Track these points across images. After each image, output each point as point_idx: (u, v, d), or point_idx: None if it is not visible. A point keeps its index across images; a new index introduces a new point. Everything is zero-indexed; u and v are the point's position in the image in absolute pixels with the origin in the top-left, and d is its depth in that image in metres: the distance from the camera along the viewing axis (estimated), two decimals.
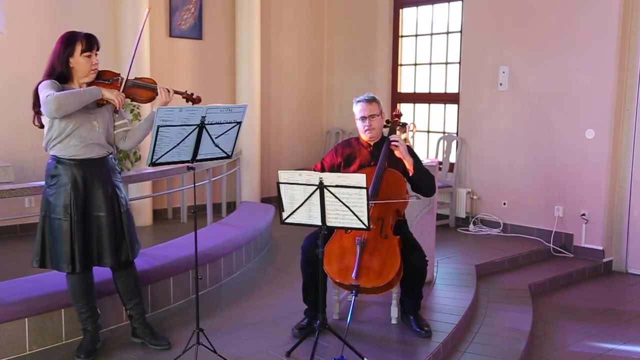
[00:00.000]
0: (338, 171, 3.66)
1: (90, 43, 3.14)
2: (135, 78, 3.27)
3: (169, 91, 3.24)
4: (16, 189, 3.81)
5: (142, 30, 3.21)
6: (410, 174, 3.59)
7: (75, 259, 3.11)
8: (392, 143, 3.58)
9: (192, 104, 3.30)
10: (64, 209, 3.10)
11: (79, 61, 3.12)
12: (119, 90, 3.15)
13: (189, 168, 3.16)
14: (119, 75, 3.26)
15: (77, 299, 3.24)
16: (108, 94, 3.08)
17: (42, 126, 3.18)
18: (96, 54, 3.18)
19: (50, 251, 3.15)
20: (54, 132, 3.10)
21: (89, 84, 3.17)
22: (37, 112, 3.14)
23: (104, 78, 3.23)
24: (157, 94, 3.24)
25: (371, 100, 3.68)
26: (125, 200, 3.30)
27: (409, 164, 3.57)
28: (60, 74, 3.12)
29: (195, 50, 7.11)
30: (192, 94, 3.36)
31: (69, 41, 3.13)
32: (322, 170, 3.76)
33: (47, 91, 3.00)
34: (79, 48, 3.11)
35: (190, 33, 7.06)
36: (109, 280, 3.47)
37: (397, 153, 3.58)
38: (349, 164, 3.74)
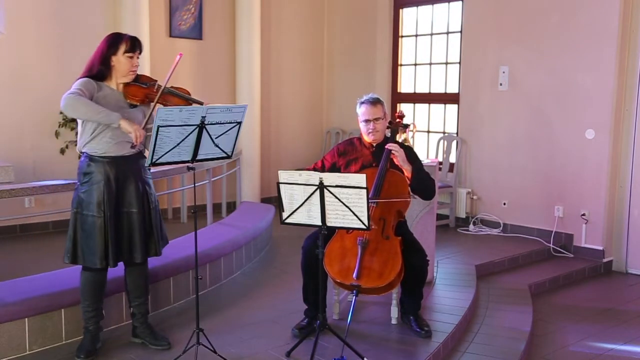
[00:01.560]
0: (339, 171, 3.67)
1: (134, 45, 3.22)
2: (172, 87, 3.29)
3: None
4: (16, 189, 3.82)
5: (173, 69, 3.22)
6: (408, 182, 3.59)
7: (108, 255, 3.16)
8: (392, 151, 3.57)
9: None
10: (97, 206, 3.14)
11: (120, 60, 3.19)
12: (150, 97, 3.20)
13: (189, 168, 3.16)
14: (156, 81, 3.30)
15: (86, 296, 3.26)
16: (126, 126, 3.07)
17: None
18: (138, 57, 3.25)
19: (82, 247, 3.18)
20: (89, 130, 3.15)
21: (126, 85, 3.23)
22: None
23: (141, 81, 3.28)
24: (190, 105, 3.24)
25: (375, 103, 3.66)
26: (154, 197, 3.36)
27: (407, 171, 3.57)
28: (99, 71, 3.18)
29: (195, 50, 7.11)
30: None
31: (114, 40, 3.20)
32: (323, 167, 3.76)
33: (75, 88, 3.07)
34: (122, 48, 3.18)
35: (190, 33, 7.06)
36: (111, 280, 3.47)
37: (395, 161, 3.58)
38: (351, 164, 3.74)
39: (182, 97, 3.28)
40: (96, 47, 3.23)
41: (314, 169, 3.69)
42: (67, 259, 3.22)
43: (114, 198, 3.18)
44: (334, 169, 3.73)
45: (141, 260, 3.29)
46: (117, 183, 3.19)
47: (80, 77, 3.18)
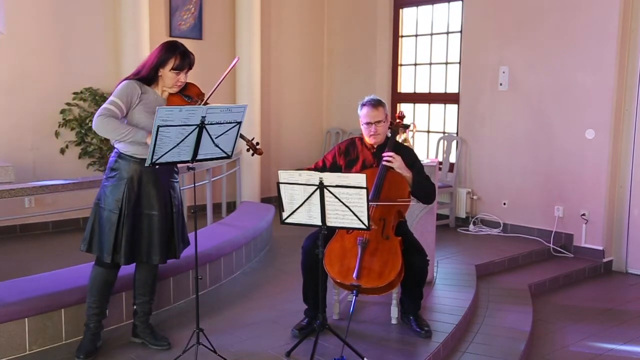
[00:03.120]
0: (340, 171, 3.67)
1: (183, 64, 3.22)
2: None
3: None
4: (16, 189, 3.82)
5: (228, 71, 3.22)
6: (409, 189, 3.58)
7: (119, 252, 3.18)
8: (385, 162, 3.54)
9: (252, 154, 3.36)
10: (115, 202, 3.18)
11: (167, 74, 3.22)
12: None
13: (189, 168, 3.16)
14: (202, 96, 3.30)
15: (93, 292, 3.28)
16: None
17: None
18: (186, 74, 3.26)
19: (98, 239, 3.23)
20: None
21: (171, 94, 3.27)
22: None
23: (186, 94, 3.28)
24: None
25: (376, 105, 3.65)
26: (178, 200, 3.38)
27: (407, 178, 3.57)
28: (150, 78, 3.22)
29: (195, 50, 6.97)
30: (257, 144, 3.37)
31: (167, 53, 3.21)
32: (324, 166, 3.76)
33: (110, 101, 3.13)
34: (171, 63, 3.20)
35: (190, 33, 7.06)
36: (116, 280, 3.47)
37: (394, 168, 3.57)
38: (352, 164, 3.74)
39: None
40: (152, 50, 3.27)
41: (315, 169, 3.69)
42: (83, 246, 3.28)
43: (134, 198, 3.20)
44: (335, 167, 3.73)
45: (159, 262, 3.32)
46: (139, 184, 3.22)
47: (128, 78, 3.23)
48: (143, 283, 3.42)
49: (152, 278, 3.44)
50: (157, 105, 3.17)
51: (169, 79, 3.22)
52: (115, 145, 3.26)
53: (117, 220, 3.18)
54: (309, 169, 3.57)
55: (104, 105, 3.14)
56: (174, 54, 3.20)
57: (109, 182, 3.22)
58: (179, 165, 3.24)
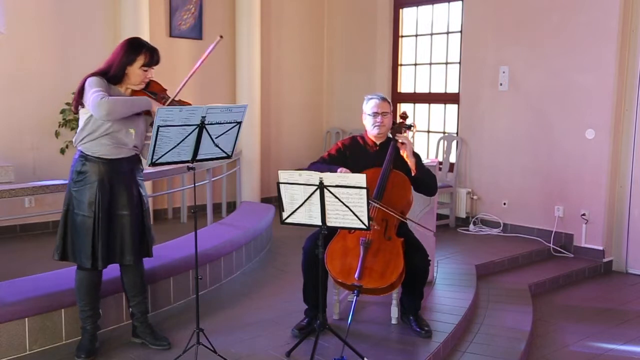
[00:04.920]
0: (348, 162, 3.66)
1: (152, 60, 3.17)
2: (179, 100, 3.23)
3: None
4: (16, 189, 3.82)
5: (206, 55, 3.19)
6: (413, 174, 3.60)
7: (97, 256, 3.15)
8: (400, 142, 3.59)
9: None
10: (89, 206, 3.13)
11: (135, 72, 3.15)
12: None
13: (189, 168, 3.16)
14: (166, 91, 3.26)
15: (82, 296, 3.26)
16: (157, 107, 3.01)
17: (77, 112, 3.19)
18: (153, 68, 3.21)
19: (73, 245, 3.18)
20: (89, 129, 3.12)
21: (135, 92, 3.20)
22: (80, 103, 3.14)
23: (150, 90, 3.23)
24: None
25: (384, 99, 3.73)
26: (146, 198, 3.36)
27: (412, 164, 3.58)
28: (114, 78, 3.15)
29: (195, 50, 7.11)
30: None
31: (133, 50, 3.14)
32: (330, 157, 3.75)
33: (97, 90, 3.01)
34: (140, 61, 3.14)
35: (190, 33, 7.06)
36: (110, 280, 3.48)
37: (402, 152, 3.59)
38: (355, 163, 3.73)
39: None
40: (115, 48, 3.19)
41: (322, 160, 3.69)
42: (57, 255, 3.22)
43: (107, 200, 3.15)
44: (343, 157, 3.71)
45: (132, 262, 3.27)
46: (111, 185, 3.17)
47: (92, 75, 3.12)
48: (132, 285, 3.39)
49: (140, 277, 3.40)
50: None
51: (137, 76, 3.15)
52: (79, 147, 3.18)
53: (92, 224, 3.12)
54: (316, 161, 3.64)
55: (94, 92, 2.98)
56: (141, 51, 3.14)
57: (78, 186, 3.15)
58: (178, 165, 3.22)
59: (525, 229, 6.13)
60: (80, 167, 3.16)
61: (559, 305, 4.72)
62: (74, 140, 3.24)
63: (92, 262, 3.14)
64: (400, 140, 3.60)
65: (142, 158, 3.35)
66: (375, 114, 3.68)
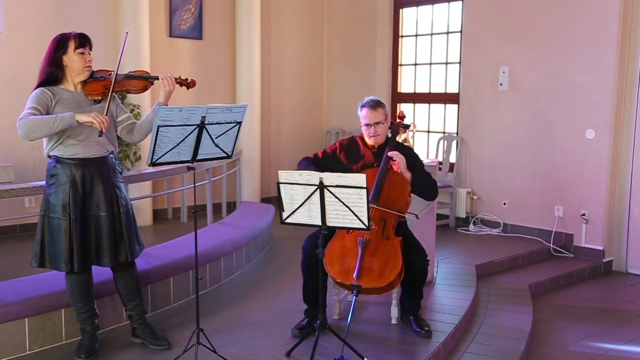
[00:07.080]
0: (340, 164, 3.68)
1: (83, 40, 3.17)
2: (129, 72, 3.28)
3: (170, 79, 3.23)
4: (16, 189, 3.82)
5: (122, 52, 3.22)
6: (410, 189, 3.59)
7: (73, 259, 3.11)
8: (392, 159, 3.56)
9: (187, 88, 3.32)
10: (63, 208, 3.10)
11: (72, 58, 3.15)
12: (110, 88, 3.12)
13: (189, 168, 3.16)
14: (111, 71, 3.25)
15: (76, 299, 3.24)
16: (84, 117, 3.01)
17: None
18: (89, 52, 3.19)
19: (49, 250, 3.15)
20: (55, 137, 3.12)
21: (84, 83, 3.19)
22: None
23: (97, 75, 3.24)
24: (151, 83, 3.26)
25: (375, 107, 3.65)
26: (125, 200, 3.29)
27: (407, 178, 3.57)
28: (51, 74, 3.14)
29: (195, 50, 7.11)
30: (187, 79, 3.31)
31: (62, 41, 3.16)
32: (324, 157, 3.76)
33: (28, 108, 3.04)
34: (72, 45, 3.14)
35: (190, 33, 7.06)
36: (108, 281, 3.47)
37: (395, 168, 3.57)
38: (352, 163, 3.74)
39: (140, 78, 3.25)
40: (45, 53, 3.19)
41: (314, 159, 3.71)
42: (35, 262, 3.18)
43: (80, 201, 3.13)
44: (333, 161, 3.72)
45: (109, 264, 3.24)
46: (83, 185, 3.14)
47: (35, 88, 3.13)
48: (127, 289, 3.37)
49: (134, 281, 3.39)
50: (74, 100, 3.15)
51: (77, 61, 3.14)
52: (51, 153, 3.17)
53: (68, 226, 3.09)
54: (307, 158, 3.68)
55: (23, 115, 3.01)
56: (69, 37, 3.15)
57: (51, 190, 3.14)
58: (178, 165, 3.22)
59: (525, 229, 6.13)
60: (52, 170, 3.16)
61: (559, 305, 4.72)
62: (44, 152, 3.22)
63: (70, 265, 3.11)
64: (392, 158, 3.56)
65: (124, 140, 3.34)
66: (367, 126, 3.67)
